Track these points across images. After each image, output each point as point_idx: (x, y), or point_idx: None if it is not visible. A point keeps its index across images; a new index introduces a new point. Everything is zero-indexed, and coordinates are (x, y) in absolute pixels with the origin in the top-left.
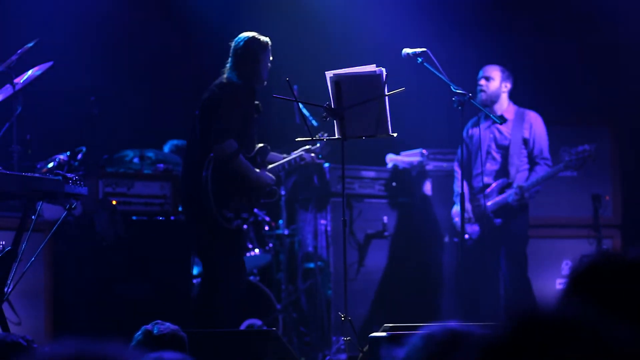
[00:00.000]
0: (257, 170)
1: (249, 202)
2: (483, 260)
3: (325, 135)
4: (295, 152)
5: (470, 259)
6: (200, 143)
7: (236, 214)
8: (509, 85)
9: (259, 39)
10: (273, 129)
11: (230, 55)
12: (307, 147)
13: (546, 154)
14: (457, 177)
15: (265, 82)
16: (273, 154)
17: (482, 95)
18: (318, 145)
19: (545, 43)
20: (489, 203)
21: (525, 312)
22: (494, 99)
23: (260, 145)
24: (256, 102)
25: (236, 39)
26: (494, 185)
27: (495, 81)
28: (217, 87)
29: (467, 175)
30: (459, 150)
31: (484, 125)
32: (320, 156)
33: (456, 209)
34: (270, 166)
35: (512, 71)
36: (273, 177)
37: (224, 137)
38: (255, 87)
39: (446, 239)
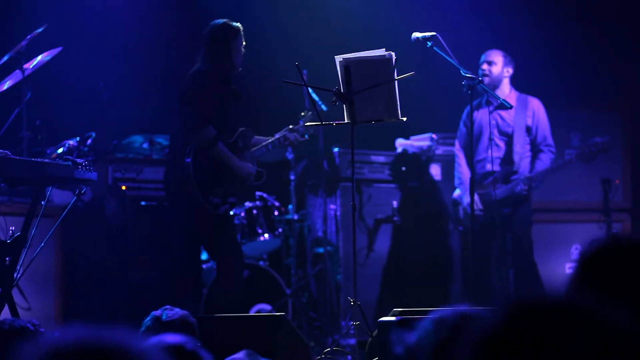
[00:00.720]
0: (237, 158)
1: (235, 186)
2: (490, 246)
3: (310, 114)
4: (279, 132)
5: (477, 245)
6: (181, 133)
7: (223, 199)
8: (510, 70)
9: (230, 25)
10: (283, 114)
11: (203, 42)
12: (290, 126)
13: (550, 140)
14: (458, 163)
15: (240, 68)
16: (258, 137)
17: (485, 80)
18: (301, 122)
19: (556, 25)
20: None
21: (518, 300)
22: (496, 84)
23: (241, 129)
24: (232, 87)
25: (209, 25)
26: (497, 171)
27: (497, 66)
28: (190, 76)
29: (469, 161)
30: (458, 134)
31: (485, 110)
32: (306, 135)
33: (457, 193)
34: (253, 149)
35: (515, 56)
36: (252, 167)
37: (201, 125)
38: (230, 73)
39: (450, 227)
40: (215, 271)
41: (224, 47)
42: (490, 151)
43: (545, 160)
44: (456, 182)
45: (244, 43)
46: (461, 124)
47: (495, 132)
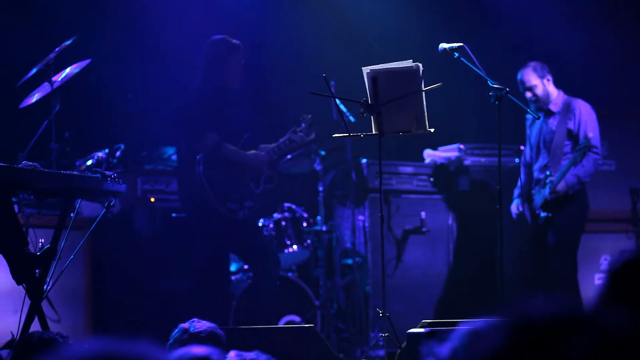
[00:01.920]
0: (244, 152)
1: (249, 190)
2: (528, 254)
3: (309, 116)
4: (283, 137)
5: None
6: (186, 148)
7: (240, 204)
8: (549, 77)
9: (229, 41)
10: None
11: (201, 56)
12: (293, 129)
13: (594, 141)
14: (520, 177)
15: (238, 85)
16: (264, 145)
17: (536, 105)
18: (303, 124)
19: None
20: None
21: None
22: (547, 100)
23: (246, 135)
24: (229, 95)
25: (208, 41)
26: (542, 179)
27: (538, 86)
28: (187, 93)
29: (529, 173)
30: (525, 149)
31: (539, 120)
32: (313, 135)
33: (515, 203)
34: (261, 153)
35: (543, 60)
36: (262, 154)
37: (202, 133)
38: (228, 85)
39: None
40: (251, 277)
41: (221, 62)
42: (540, 159)
43: (586, 162)
44: (514, 194)
45: (242, 60)
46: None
47: (542, 139)
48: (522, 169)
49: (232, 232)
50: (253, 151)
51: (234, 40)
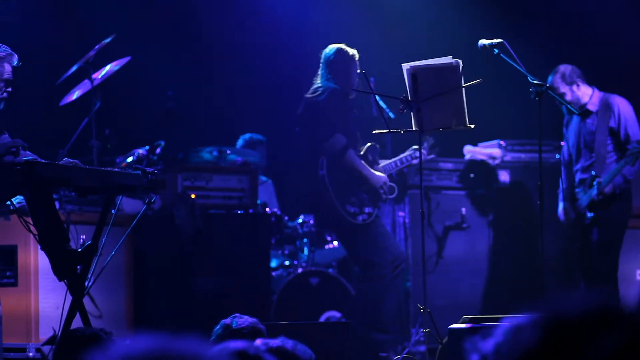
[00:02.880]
0: (370, 168)
1: (369, 196)
2: (571, 254)
3: (431, 138)
4: (405, 152)
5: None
6: (307, 147)
7: (360, 208)
8: (579, 82)
9: (348, 51)
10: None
11: (322, 64)
12: (414, 146)
13: (638, 136)
14: (562, 177)
15: (354, 95)
16: (381, 160)
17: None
18: (424, 144)
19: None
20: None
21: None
22: (579, 103)
23: (369, 144)
24: (350, 104)
25: (327, 49)
26: (587, 179)
27: (567, 94)
28: (312, 93)
29: (570, 173)
30: (563, 149)
31: (576, 119)
32: (433, 156)
33: (562, 208)
34: (382, 164)
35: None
36: (384, 176)
37: (330, 134)
38: (348, 93)
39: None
40: (359, 279)
41: (344, 69)
42: (582, 160)
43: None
44: (559, 190)
45: (358, 70)
46: (564, 138)
47: (582, 140)
48: (562, 170)
49: (350, 235)
50: (378, 173)
51: (352, 50)
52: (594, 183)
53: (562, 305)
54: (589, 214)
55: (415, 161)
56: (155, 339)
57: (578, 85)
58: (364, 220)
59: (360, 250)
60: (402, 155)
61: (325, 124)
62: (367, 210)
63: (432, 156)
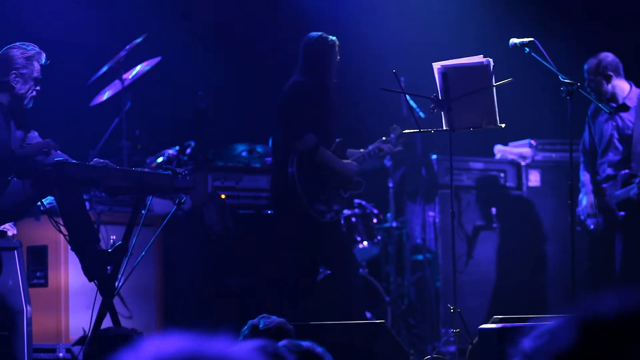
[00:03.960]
0: (341, 160)
1: (338, 194)
2: (602, 252)
3: (398, 127)
4: (372, 144)
5: (590, 251)
6: (282, 144)
7: (328, 206)
8: (611, 74)
9: (327, 38)
10: (379, 122)
11: (301, 54)
12: (383, 138)
13: None
14: (582, 164)
15: (335, 81)
16: (351, 150)
17: (595, 96)
18: (392, 135)
19: None
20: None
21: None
22: (606, 96)
23: (339, 139)
24: (330, 99)
25: (304, 38)
26: (619, 175)
27: (596, 83)
28: (288, 87)
29: (592, 165)
30: (584, 135)
31: (606, 114)
32: (400, 147)
33: (581, 198)
34: (350, 159)
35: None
36: (355, 164)
37: (302, 133)
38: (326, 85)
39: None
40: (331, 280)
41: (321, 60)
42: (610, 154)
43: None
44: (580, 184)
45: (338, 57)
46: (585, 125)
47: (616, 134)
48: (583, 159)
49: (317, 234)
50: (347, 160)
51: (331, 37)
52: (634, 182)
53: (599, 305)
54: (621, 213)
55: (381, 153)
56: (185, 338)
57: (610, 76)
58: (332, 218)
59: (326, 249)
60: (369, 149)
61: (297, 122)
62: (335, 207)
63: (398, 148)
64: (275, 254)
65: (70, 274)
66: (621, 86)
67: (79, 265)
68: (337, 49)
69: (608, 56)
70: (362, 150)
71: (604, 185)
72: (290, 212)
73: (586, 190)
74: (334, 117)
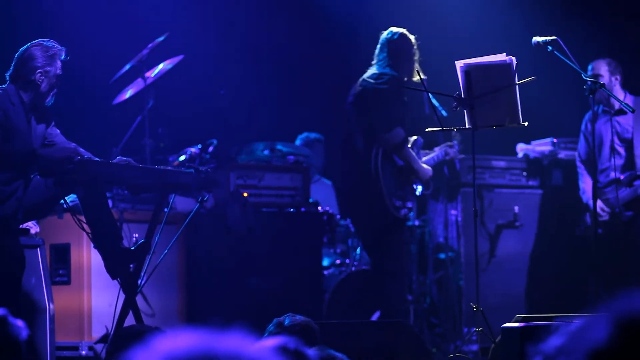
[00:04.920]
0: (420, 162)
1: (412, 191)
2: (613, 253)
3: (458, 134)
4: (439, 147)
5: (601, 253)
6: (362, 135)
7: (403, 202)
8: (619, 78)
9: (410, 37)
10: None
11: (382, 48)
12: (448, 143)
13: None
14: (580, 173)
15: (417, 77)
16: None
17: (603, 104)
18: (454, 142)
19: None
20: (620, 195)
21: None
22: (605, 99)
23: (416, 137)
24: (404, 96)
25: (388, 33)
26: (621, 177)
27: (604, 77)
28: (373, 78)
29: (592, 171)
30: (579, 146)
31: (602, 119)
32: (462, 155)
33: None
34: (424, 159)
35: (620, 61)
36: (431, 170)
37: (391, 126)
38: (404, 82)
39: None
40: (384, 274)
41: (406, 55)
42: (612, 159)
43: None
44: (580, 192)
45: (418, 56)
46: (581, 135)
47: (616, 139)
48: (582, 167)
49: (389, 228)
50: (426, 166)
51: (412, 36)
52: None
53: (635, 303)
54: (628, 213)
55: (447, 157)
56: (198, 336)
57: (617, 79)
58: (405, 215)
59: (393, 244)
60: (437, 151)
61: (388, 115)
62: (409, 204)
63: (462, 156)
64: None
65: (92, 272)
66: (619, 90)
67: (102, 263)
68: (417, 47)
69: (612, 60)
70: (427, 151)
71: (607, 189)
72: (368, 204)
73: (587, 197)
74: (409, 114)
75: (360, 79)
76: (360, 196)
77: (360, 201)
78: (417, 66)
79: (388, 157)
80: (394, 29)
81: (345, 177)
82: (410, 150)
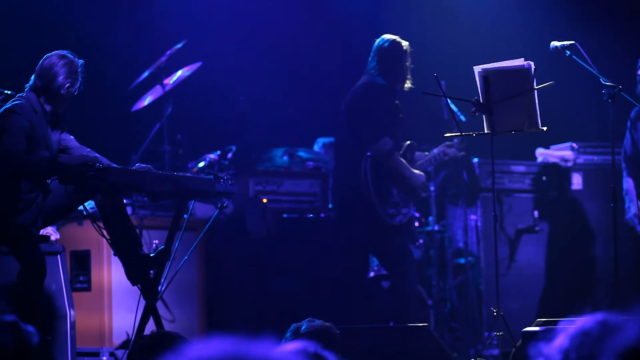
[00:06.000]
0: (411, 168)
1: (406, 197)
2: None
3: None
4: (437, 148)
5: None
6: (352, 144)
7: (397, 209)
8: None
9: (401, 43)
10: (421, 125)
11: (373, 56)
12: (448, 142)
13: None
14: (624, 172)
15: (408, 85)
16: (417, 153)
17: None
18: (455, 140)
19: None
20: None
21: None
22: None
23: (408, 142)
24: (396, 102)
25: (379, 40)
26: None
27: None
28: (362, 88)
29: (635, 171)
30: (625, 142)
31: None
32: (463, 153)
33: (627, 206)
34: (418, 163)
35: None
36: (423, 175)
37: (378, 136)
38: (396, 89)
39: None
40: (388, 281)
41: (396, 62)
42: None
43: None
44: (623, 193)
45: (409, 62)
46: (627, 132)
47: None
48: (625, 166)
49: (384, 236)
50: (417, 171)
51: (404, 42)
52: None
53: None
54: None
55: (446, 157)
56: (226, 342)
57: None
58: (400, 221)
59: (391, 251)
60: (434, 152)
61: (374, 124)
62: (404, 211)
63: (462, 153)
64: (332, 254)
65: (113, 278)
66: None
67: (122, 269)
68: (409, 53)
69: None
70: (427, 153)
71: None
72: (359, 213)
73: (631, 197)
74: (400, 120)
75: (352, 88)
76: (353, 208)
77: (354, 215)
78: (408, 73)
79: (378, 166)
80: (386, 36)
81: (338, 187)
82: (399, 158)
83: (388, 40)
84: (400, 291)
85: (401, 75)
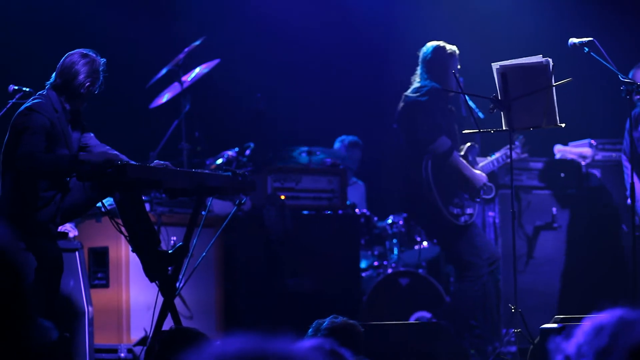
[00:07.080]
0: (472, 169)
1: (470, 197)
2: None
3: (522, 137)
4: (499, 151)
5: None
6: (410, 149)
7: (461, 209)
8: None
9: (445, 47)
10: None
11: (420, 63)
12: (509, 145)
13: None
14: (627, 174)
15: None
16: (478, 158)
17: None
18: (517, 142)
19: None
20: None
21: None
22: None
23: (469, 144)
24: (450, 106)
25: (424, 48)
26: None
27: None
28: (414, 92)
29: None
30: (624, 144)
31: None
32: (526, 155)
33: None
34: (480, 164)
35: None
36: (485, 176)
37: (435, 136)
38: (448, 93)
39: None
40: (456, 279)
41: (442, 68)
42: None
43: None
44: (628, 192)
45: (458, 66)
46: (626, 134)
47: None
48: (628, 166)
49: (450, 235)
50: (478, 172)
51: (449, 47)
52: None
53: None
54: None
55: (509, 160)
56: (248, 339)
57: None
58: (466, 222)
59: (461, 251)
60: (497, 155)
61: (430, 125)
62: (468, 211)
63: (525, 155)
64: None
65: (131, 275)
66: None
67: (140, 266)
68: (456, 57)
69: None
70: (489, 157)
71: None
72: (425, 215)
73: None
74: (455, 122)
75: (403, 95)
76: (418, 210)
77: (420, 216)
78: (456, 74)
79: (439, 167)
80: (430, 44)
81: (403, 193)
82: (459, 158)
83: (431, 47)
84: (468, 295)
85: (448, 78)
